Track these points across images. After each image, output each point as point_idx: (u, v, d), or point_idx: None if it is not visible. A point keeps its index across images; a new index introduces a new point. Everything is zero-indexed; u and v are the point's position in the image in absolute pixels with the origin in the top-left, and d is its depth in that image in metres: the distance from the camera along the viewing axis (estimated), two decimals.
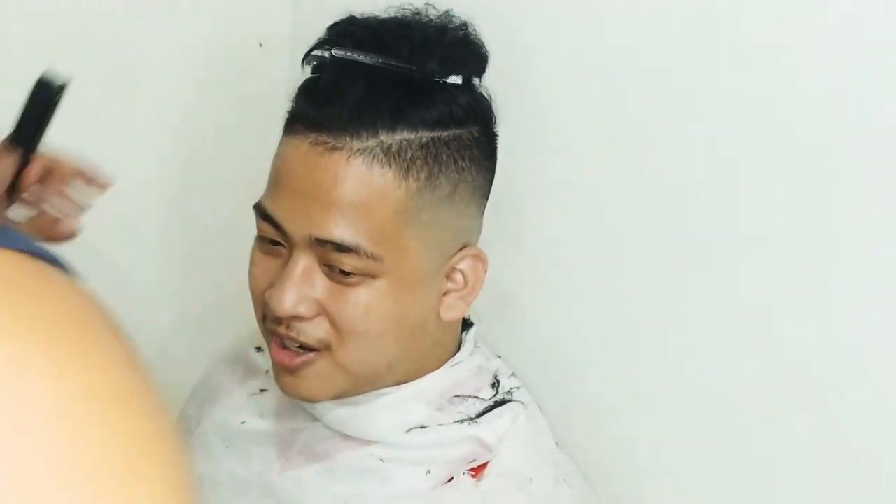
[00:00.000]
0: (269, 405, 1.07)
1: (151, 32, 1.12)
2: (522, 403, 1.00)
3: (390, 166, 0.89)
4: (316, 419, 1.01)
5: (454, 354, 1.02)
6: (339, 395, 0.97)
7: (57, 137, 0.94)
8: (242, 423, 1.08)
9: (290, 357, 0.93)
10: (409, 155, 0.89)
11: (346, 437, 0.99)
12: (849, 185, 0.87)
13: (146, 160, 1.21)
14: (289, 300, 0.90)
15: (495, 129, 0.97)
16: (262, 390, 1.10)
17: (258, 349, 1.15)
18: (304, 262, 0.90)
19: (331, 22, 0.95)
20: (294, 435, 1.03)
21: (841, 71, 0.86)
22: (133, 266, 1.26)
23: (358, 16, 0.93)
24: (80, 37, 1.02)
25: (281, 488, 1.00)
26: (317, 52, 0.93)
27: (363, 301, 0.90)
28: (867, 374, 0.88)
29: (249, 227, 0.95)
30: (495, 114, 0.97)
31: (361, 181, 0.88)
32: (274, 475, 1.02)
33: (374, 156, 0.88)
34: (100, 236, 1.03)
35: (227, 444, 1.07)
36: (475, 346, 1.04)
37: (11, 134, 0.92)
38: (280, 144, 0.94)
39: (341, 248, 0.89)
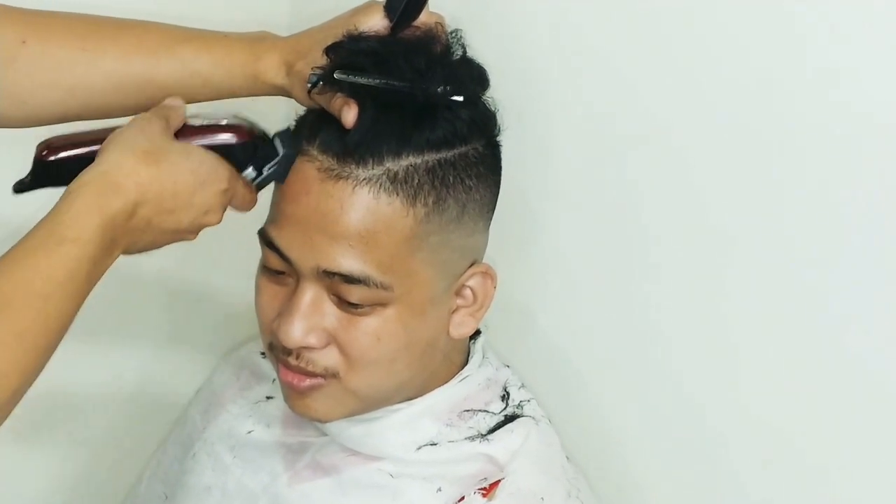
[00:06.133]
0: (275, 413, 1.07)
1: None
2: (533, 419, 0.99)
3: (397, 194, 0.87)
4: (324, 433, 1.00)
5: (463, 366, 1.01)
6: (350, 415, 0.96)
7: None
8: (249, 432, 1.07)
9: (298, 379, 0.93)
10: (415, 181, 0.87)
11: (356, 451, 0.99)
12: (849, 185, 0.86)
13: None
14: (298, 331, 0.89)
15: (499, 140, 0.95)
16: (268, 398, 1.09)
17: (264, 354, 1.14)
18: (312, 292, 0.89)
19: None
20: (302, 447, 1.03)
21: (840, 72, 0.85)
22: (132, 266, 1.25)
23: (356, 35, 0.90)
24: None
25: (289, 501, 1.00)
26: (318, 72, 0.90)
27: (374, 329, 0.89)
28: (867, 373, 0.88)
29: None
30: (500, 124, 0.95)
31: (368, 211, 0.87)
32: (282, 486, 1.01)
33: (380, 184, 0.87)
34: None
35: (235, 454, 1.06)
36: (483, 356, 1.02)
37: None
38: None
39: (350, 279, 0.87)
